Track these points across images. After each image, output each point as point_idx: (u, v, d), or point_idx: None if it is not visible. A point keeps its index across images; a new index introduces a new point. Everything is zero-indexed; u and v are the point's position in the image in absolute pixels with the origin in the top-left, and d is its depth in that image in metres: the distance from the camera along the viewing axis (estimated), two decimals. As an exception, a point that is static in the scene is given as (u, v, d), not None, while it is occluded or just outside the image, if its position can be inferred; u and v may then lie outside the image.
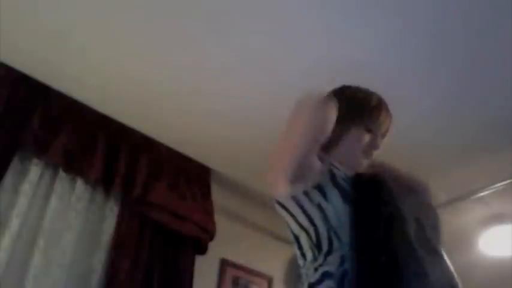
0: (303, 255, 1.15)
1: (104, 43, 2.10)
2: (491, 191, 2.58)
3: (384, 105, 1.32)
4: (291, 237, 1.20)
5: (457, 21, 1.84)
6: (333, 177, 1.15)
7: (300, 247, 1.16)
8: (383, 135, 1.33)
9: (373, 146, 1.29)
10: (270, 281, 2.92)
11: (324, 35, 1.97)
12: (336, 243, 1.07)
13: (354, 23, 1.90)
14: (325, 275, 1.04)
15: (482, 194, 2.63)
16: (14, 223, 2.03)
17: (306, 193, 1.14)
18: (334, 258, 1.05)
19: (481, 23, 1.83)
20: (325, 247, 1.08)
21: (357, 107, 1.29)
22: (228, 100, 2.35)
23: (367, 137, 1.28)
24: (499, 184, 2.55)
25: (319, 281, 1.05)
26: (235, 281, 2.79)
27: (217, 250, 2.71)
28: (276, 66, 2.14)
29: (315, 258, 1.09)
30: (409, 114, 2.21)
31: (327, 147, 1.24)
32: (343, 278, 1.02)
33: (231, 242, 2.82)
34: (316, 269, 1.07)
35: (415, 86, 2.14)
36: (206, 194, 2.76)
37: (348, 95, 1.33)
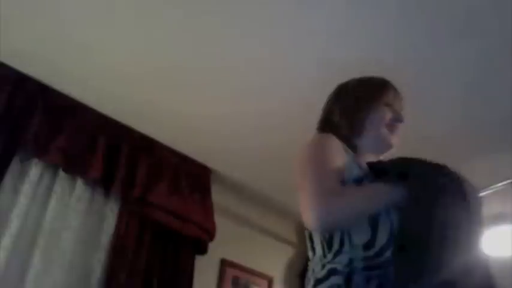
0: (313, 248, 1.16)
1: (104, 43, 2.10)
2: (491, 191, 2.58)
3: (392, 84, 1.37)
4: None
5: (460, 22, 1.84)
6: (357, 181, 1.14)
7: (311, 240, 1.17)
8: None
9: (396, 119, 1.32)
10: (270, 281, 2.92)
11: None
12: (346, 246, 1.07)
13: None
14: (332, 272, 1.06)
15: (482, 194, 2.63)
16: (14, 223, 2.03)
17: None
18: (342, 259, 1.07)
19: (483, 23, 1.83)
20: (335, 246, 1.09)
21: (371, 88, 1.34)
22: (229, 101, 2.35)
23: (389, 114, 1.31)
24: (499, 184, 2.54)
25: (326, 277, 1.07)
26: (235, 281, 2.79)
27: (217, 250, 2.71)
28: (277, 66, 2.14)
29: (324, 255, 1.11)
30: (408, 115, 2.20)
31: (355, 133, 1.28)
32: (350, 274, 1.04)
33: (231, 242, 2.82)
34: (323, 266, 1.09)
35: (416, 87, 2.13)
36: (206, 194, 2.76)
37: (357, 81, 1.38)
